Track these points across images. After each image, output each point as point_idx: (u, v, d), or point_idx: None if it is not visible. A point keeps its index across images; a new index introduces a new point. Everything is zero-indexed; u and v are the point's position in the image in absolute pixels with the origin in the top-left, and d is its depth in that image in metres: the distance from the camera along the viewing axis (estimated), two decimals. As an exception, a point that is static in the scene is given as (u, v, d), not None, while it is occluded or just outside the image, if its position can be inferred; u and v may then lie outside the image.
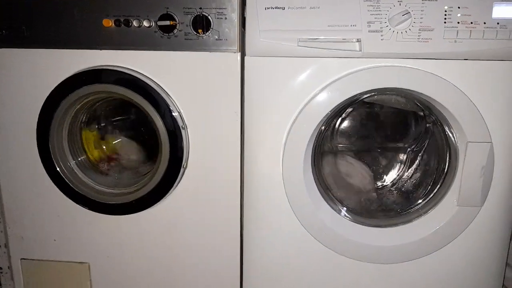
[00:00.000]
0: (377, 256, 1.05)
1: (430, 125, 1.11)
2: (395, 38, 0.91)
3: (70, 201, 1.07)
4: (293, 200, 1.01)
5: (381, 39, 0.91)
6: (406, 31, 0.90)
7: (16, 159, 1.08)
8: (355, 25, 0.91)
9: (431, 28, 0.90)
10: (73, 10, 0.95)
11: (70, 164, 1.07)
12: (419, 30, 0.90)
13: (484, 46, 0.90)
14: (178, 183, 1.04)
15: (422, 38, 0.90)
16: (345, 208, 1.10)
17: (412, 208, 1.10)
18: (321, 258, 1.06)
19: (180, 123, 0.99)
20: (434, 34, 0.90)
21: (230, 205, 1.06)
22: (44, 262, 1.16)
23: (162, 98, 0.97)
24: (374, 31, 0.91)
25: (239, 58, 0.96)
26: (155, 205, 1.05)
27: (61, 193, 1.07)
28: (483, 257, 1.05)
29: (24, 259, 1.17)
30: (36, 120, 1.02)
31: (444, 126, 1.01)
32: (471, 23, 0.89)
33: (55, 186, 1.06)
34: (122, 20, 0.94)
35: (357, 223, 1.06)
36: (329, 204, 1.05)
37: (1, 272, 1.23)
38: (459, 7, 0.89)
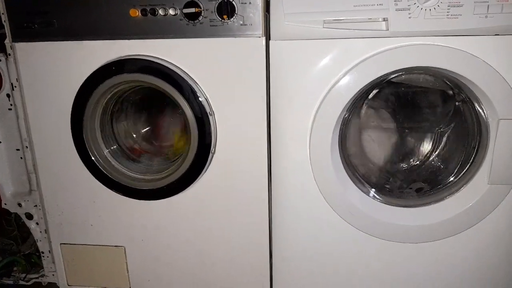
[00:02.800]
0: (408, 235, 1.05)
1: (459, 103, 1.09)
2: (423, 16, 0.89)
3: (105, 187, 1.11)
4: (321, 183, 1.03)
5: (409, 17, 0.89)
6: (434, 8, 0.88)
7: (52, 150, 1.12)
8: (382, 4, 0.90)
9: (460, 3, 0.88)
10: (101, 1, 0.97)
11: (103, 153, 1.10)
12: (448, 6, 0.88)
13: (516, 20, 0.88)
14: (207, 168, 1.06)
15: (451, 15, 0.88)
16: (373, 189, 1.10)
17: (442, 186, 1.09)
18: (350, 239, 1.08)
19: (208, 110, 1.00)
20: (464, 10, 0.88)
21: (258, 188, 1.07)
22: (82, 246, 1.22)
23: (189, 85, 0.99)
24: (401, 9, 0.89)
25: (264, 42, 0.96)
26: (186, 189, 1.08)
27: (96, 180, 1.11)
28: (515, 234, 1.05)
29: (64, 243, 1.23)
30: (70, 111, 1.06)
31: (474, 104, 1.00)
32: (503, -4, 0.87)
33: (90, 174, 1.11)
34: (148, 9, 0.96)
35: (386, 203, 1.06)
36: (357, 186, 1.06)
37: (43, 256, 1.30)
38: (490, -20, 0.86)
